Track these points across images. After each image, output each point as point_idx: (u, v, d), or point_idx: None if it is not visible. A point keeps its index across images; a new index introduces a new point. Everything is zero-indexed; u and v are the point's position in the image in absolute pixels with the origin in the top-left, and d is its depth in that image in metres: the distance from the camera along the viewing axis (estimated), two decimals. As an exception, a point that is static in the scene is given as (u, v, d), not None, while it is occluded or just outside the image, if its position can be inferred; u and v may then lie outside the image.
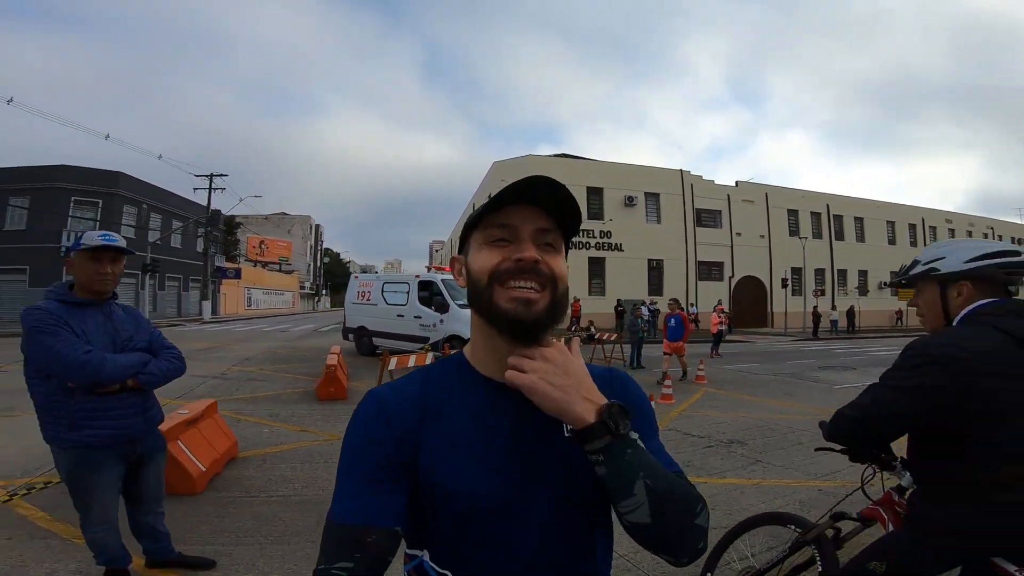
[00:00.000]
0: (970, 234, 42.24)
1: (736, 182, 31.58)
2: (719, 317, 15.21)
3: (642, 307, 22.01)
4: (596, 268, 26.82)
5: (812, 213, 33.93)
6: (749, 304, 30.95)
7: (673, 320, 10.04)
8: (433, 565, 0.74)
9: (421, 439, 0.74)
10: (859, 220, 36.10)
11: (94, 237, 2.25)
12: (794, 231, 32.41)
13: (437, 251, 62.15)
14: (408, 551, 0.79)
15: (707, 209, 30.03)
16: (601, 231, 26.80)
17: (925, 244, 38.72)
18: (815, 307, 25.32)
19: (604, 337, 12.63)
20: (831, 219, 34.58)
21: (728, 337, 23.93)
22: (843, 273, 35.19)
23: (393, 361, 7.11)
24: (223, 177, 32.29)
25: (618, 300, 23.99)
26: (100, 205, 26.38)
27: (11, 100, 21.07)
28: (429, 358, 7.26)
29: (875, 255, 35.83)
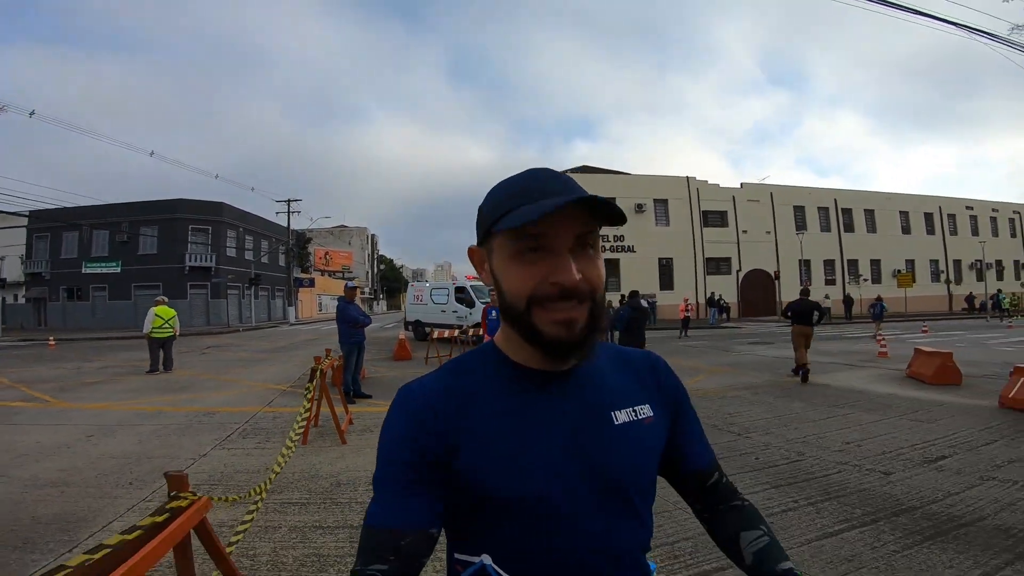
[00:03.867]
0: (994, 221, 43.26)
1: (741, 184, 35.04)
2: (685, 306, 19.46)
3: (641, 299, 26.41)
4: (611, 268, 31.17)
5: (819, 208, 36.76)
6: (758, 295, 34.40)
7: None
8: (498, 569, 0.70)
9: (457, 436, 0.70)
10: (869, 212, 38.39)
11: (347, 284, 7.40)
12: (801, 226, 35.44)
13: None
14: (461, 557, 0.74)
15: (713, 210, 33.69)
16: (615, 235, 31.14)
17: (945, 232, 40.48)
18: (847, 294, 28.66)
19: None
20: (839, 213, 37.22)
21: (726, 323, 27.96)
22: (854, 263, 37.67)
23: (435, 333, 12.21)
24: (298, 201, 38.78)
25: (621, 295, 28.35)
26: (210, 231, 33.09)
27: (33, 113, 27.24)
28: (457, 332, 12.28)
29: (888, 245, 37.99)
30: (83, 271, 31.95)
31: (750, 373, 9.67)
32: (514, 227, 0.66)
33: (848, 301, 30.89)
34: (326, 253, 61.38)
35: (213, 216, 33.37)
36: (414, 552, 0.66)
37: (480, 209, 0.75)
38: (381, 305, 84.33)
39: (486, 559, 0.71)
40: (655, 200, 32.33)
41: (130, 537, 1.29)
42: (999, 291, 30.57)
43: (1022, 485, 3.49)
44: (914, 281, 36.66)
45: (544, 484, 0.69)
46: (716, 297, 29.11)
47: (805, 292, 9.39)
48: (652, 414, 0.79)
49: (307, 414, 3.80)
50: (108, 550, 1.22)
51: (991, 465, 3.97)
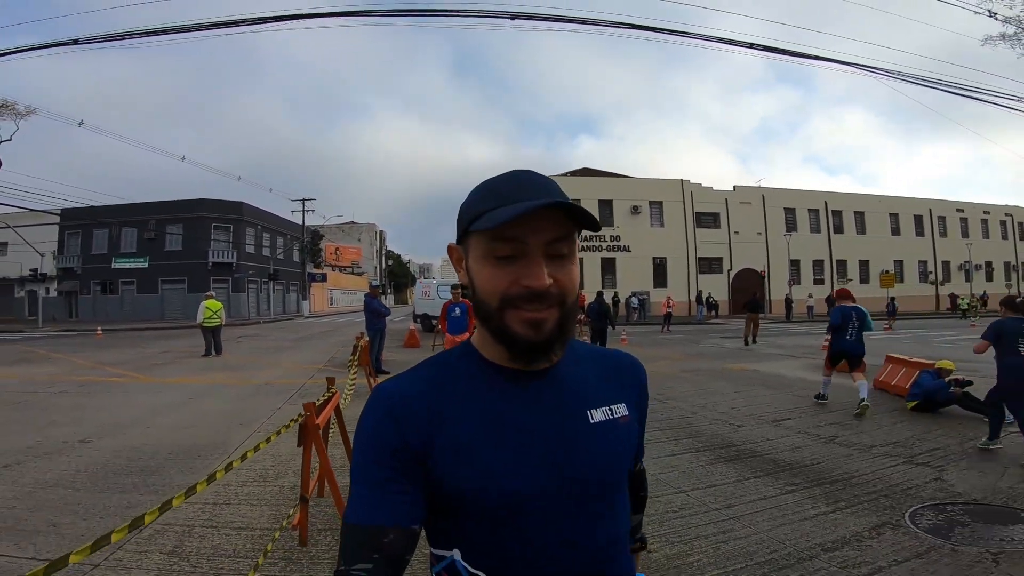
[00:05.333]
0: (985, 223, 44.49)
1: (734, 187, 36.71)
2: (667, 303, 21.36)
3: (631, 297, 28.33)
4: (608, 267, 33.05)
5: (810, 210, 38.34)
6: (748, 293, 36.10)
7: (458, 309, 8.57)
8: (465, 564, 0.72)
9: (434, 433, 0.71)
10: (859, 214, 39.87)
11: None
12: (791, 227, 37.05)
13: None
14: (435, 551, 0.75)
15: (706, 212, 35.41)
16: (611, 236, 32.96)
17: (934, 234, 41.89)
18: (787, 295, 30.43)
19: (581, 319, 19.12)
20: (829, 215, 38.77)
21: (714, 319, 29.73)
22: (843, 264, 39.23)
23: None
24: (312, 200, 40.82)
25: (615, 293, 30.14)
26: (231, 229, 35.18)
27: (81, 122, 29.20)
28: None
29: (877, 246, 39.45)
30: (113, 266, 34.15)
31: (702, 360, 11.58)
32: (488, 228, 0.67)
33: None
34: (336, 249, 63.48)
35: (233, 215, 35.46)
36: (398, 549, 0.66)
37: (460, 207, 0.76)
38: (389, 300, 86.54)
39: (456, 554, 0.72)
40: (651, 202, 34.09)
41: (294, 420, 3.18)
42: (952, 294, 32.16)
43: (815, 437, 5.24)
44: (902, 281, 38.38)
45: (516, 482, 0.70)
46: (704, 295, 30.97)
47: (757, 296, 12.34)
48: (628, 413, 0.81)
49: (354, 376, 5.73)
50: (291, 423, 3.10)
51: (814, 425, 5.76)
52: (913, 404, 6.22)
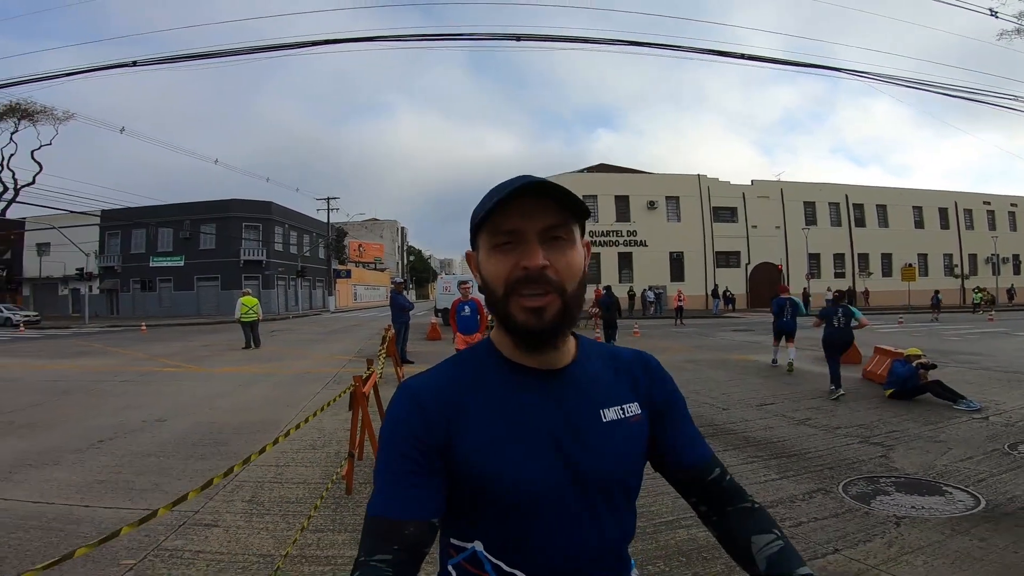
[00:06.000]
0: (1013, 216, 43.55)
1: (752, 181, 36.79)
2: (678, 297, 21.93)
3: (647, 290, 28.82)
4: (624, 261, 33.57)
5: (830, 204, 38.18)
6: (766, 286, 36.19)
7: (467, 308, 8.19)
8: (487, 555, 0.75)
9: (455, 429, 0.74)
10: (881, 207, 39.51)
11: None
12: (811, 221, 36.95)
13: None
14: (456, 542, 0.79)
15: (724, 206, 35.61)
16: (628, 231, 33.47)
17: (960, 227, 41.23)
18: (804, 288, 30.54)
19: (595, 312, 19.73)
20: (850, 208, 38.54)
21: (730, 312, 30.04)
22: (864, 257, 38.93)
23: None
24: (336, 199, 42.15)
25: (630, 287, 30.64)
26: (260, 228, 36.61)
27: (123, 129, 30.62)
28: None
29: (900, 239, 39.03)
30: (150, 264, 35.91)
31: (708, 352, 12.20)
32: (485, 220, 0.74)
33: (850, 294, 32.47)
34: (360, 245, 65.03)
35: (263, 214, 36.90)
36: (417, 541, 0.68)
37: (471, 224, 0.80)
38: (411, 295, 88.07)
39: (478, 546, 0.76)
40: (667, 197, 34.45)
41: (334, 397, 3.98)
42: (975, 287, 31.78)
43: (789, 419, 5.86)
44: (926, 274, 38.05)
45: (532, 477, 0.73)
46: (720, 289, 31.33)
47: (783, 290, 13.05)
48: (640, 412, 0.83)
49: (383, 364, 6.56)
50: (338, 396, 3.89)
51: (793, 409, 6.38)
52: (890, 392, 6.78)
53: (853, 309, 7.32)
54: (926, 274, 38.59)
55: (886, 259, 39.34)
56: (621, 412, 0.81)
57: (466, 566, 0.78)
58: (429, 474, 0.73)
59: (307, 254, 42.59)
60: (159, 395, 7.47)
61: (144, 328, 21.69)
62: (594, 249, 33.42)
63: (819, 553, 2.72)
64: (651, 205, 33.79)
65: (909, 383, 6.58)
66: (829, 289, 30.93)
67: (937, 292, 26.81)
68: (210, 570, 2.68)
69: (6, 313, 28.03)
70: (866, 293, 35.70)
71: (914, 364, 6.61)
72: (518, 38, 9.47)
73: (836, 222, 38.19)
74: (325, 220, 41.82)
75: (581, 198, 0.76)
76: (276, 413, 6.27)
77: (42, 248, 37.58)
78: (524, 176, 0.75)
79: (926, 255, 39.68)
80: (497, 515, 0.75)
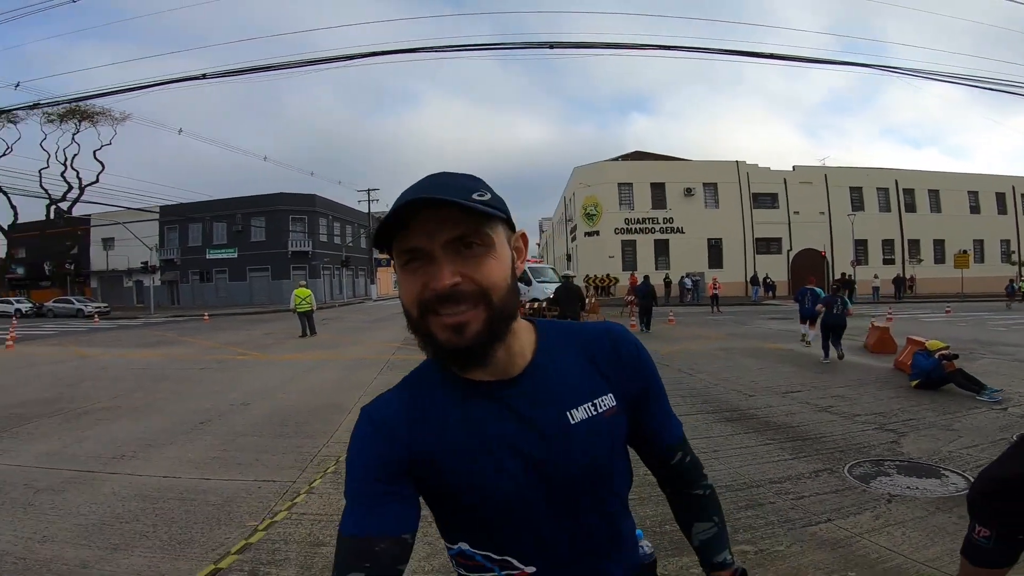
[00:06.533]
0: (1079, 197, 41.03)
1: (793, 167, 35.96)
2: (714, 285, 22.07)
3: (684, 278, 28.86)
4: (661, 248, 33.57)
5: (878, 189, 36.92)
6: (808, 273, 35.41)
7: None
8: (475, 550, 0.78)
9: (416, 449, 0.74)
10: (934, 192, 37.91)
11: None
12: (858, 207, 35.88)
13: (544, 231, 71.04)
14: (446, 543, 0.82)
15: (764, 192, 34.99)
16: (664, 218, 33.41)
17: (1018, 212, 39.18)
18: (849, 275, 29.85)
19: (631, 300, 20.09)
20: (900, 193, 37.20)
21: (770, 300, 29.74)
22: (915, 243, 37.56)
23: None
24: (376, 190, 43.44)
25: (666, 275, 30.61)
26: (306, 220, 38.20)
27: (181, 131, 32.32)
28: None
29: (953, 225, 37.40)
30: (207, 257, 38.07)
31: (742, 340, 12.49)
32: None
33: (898, 282, 31.60)
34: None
35: (308, 207, 38.50)
36: (389, 559, 0.68)
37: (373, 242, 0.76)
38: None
39: (463, 545, 0.79)
40: (704, 184, 34.11)
41: None
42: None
43: (813, 406, 6.24)
44: (982, 261, 36.49)
45: (498, 492, 0.73)
46: (761, 276, 31.03)
47: (846, 276, 14.17)
48: (614, 404, 0.80)
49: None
50: None
51: (819, 397, 6.74)
52: (916, 383, 7.06)
53: (847, 300, 9.37)
54: (982, 261, 37.01)
55: (938, 245, 37.88)
56: (592, 409, 0.79)
57: (461, 560, 0.81)
58: (397, 493, 0.73)
59: (350, 244, 44.16)
60: (238, 381, 8.42)
61: (207, 317, 23.32)
62: (630, 236, 34.06)
63: (813, 521, 3.21)
64: (688, 192, 33.56)
65: (933, 374, 6.84)
66: (876, 276, 30.17)
67: (1012, 281, 26.20)
68: (313, 527, 3.31)
69: (78, 305, 30.27)
70: (911, 281, 34.50)
71: (936, 355, 6.86)
72: (551, 46, 9.88)
73: (885, 207, 36.95)
74: (366, 211, 43.21)
75: (487, 199, 0.70)
76: (342, 396, 7.07)
77: (107, 243, 40.28)
78: (419, 185, 0.71)
79: (982, 241, 37.99)
80: (473, 522, 0.77)
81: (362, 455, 0.74)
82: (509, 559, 0.77)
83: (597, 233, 33.88)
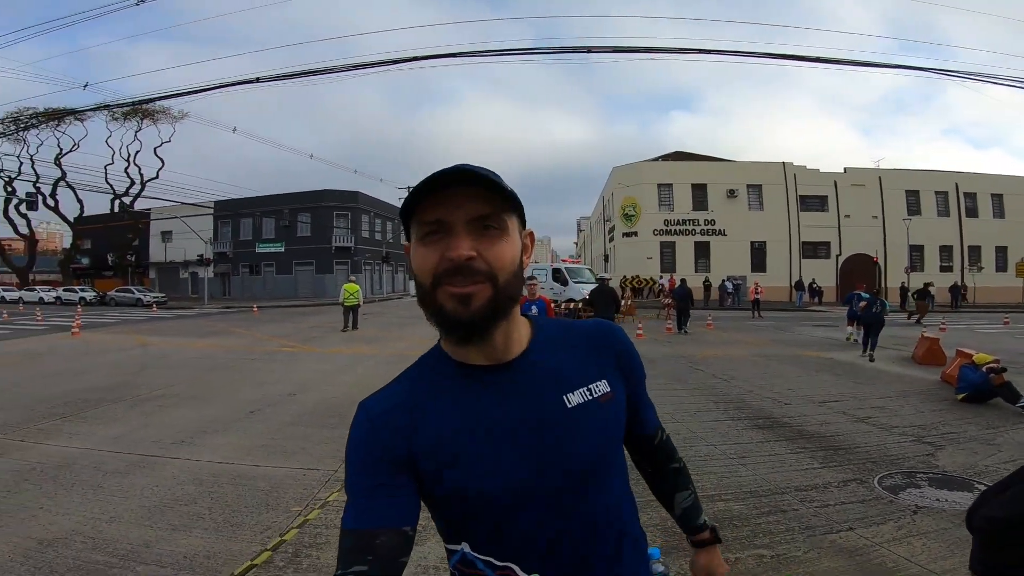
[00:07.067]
0: None
1: (845, 168, 34.68)
2: (755, 289, 21.58)
3: (725, 281, 28.35)
4: (701, 250, 32.99)
5: (937, 192, 35.16)
6: (858, 280, 34.13)
7: (535, 308, 7.28)
8: (476, 554, 0.78)
9: (415, 440, 0.75)
10: (997, 196, 35.86)
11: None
12: (914, 211, 34.27)
13: (582, 230, 70.67)
14: (447, 546, 0.81)
15: (812, 195, 33.87)
16: (706, 220, 32.82)
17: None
18: (903, 283, 28.64)
19: (668, 303, 19.91)
20: (960, 197, 35.32)
21: (816, 306, 28.82)
22: (975, 250, 35.59)
23: (536, 311, 15.87)
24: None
25: (706, 277, 30.04)
26: (349, 216, 39.33)
27: (235, 129, 33.45)
28: (552, 306, 15.80)
29: (1018, 231, 35.14)
30: (256, 250, 39.69)
31: (781, 347, 12.29)
32: (411, 211, 0.74)
33: (955, 290, 30.07)
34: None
35: (351, 203, 39.65)
36: (391, 551, 0.70)
37: (400, 213, 0.79)
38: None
39: (465, 547, 0.78)
40: (748, 185, 33.32)
41: None
42: None
43: (850, 416, 6.15)
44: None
45: (497, 478, 0.74)
46: (807, 281, 30.12)
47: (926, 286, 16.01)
48: (610, 389, 0.83)
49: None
50: None
51: (856, 407, 6.62)
52: (962, 396, 6.85)
53: (885, 302, 10.98)
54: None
55: (1000, 253, 35.76)
56: (588, 394, 0.81)
57: (462, 568, 0.80)
58: (396, 486, 0.74)
59: (391, 240, 45.16)
60: (287, 372, 8.91)
61: (256, 310, 24.41)
62: (669, 238, 33.58)
63: (834, 529, 3.26)
64: (731, 194, 32.86)
65: (981, 387, 6.64)
66: (932, 284, 28.90)
67: (906, 284, 26.02)
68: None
69: (138, 295, 32.03)
70: (964, 289, 32.51)
71: (983, 369, 6.65)
72: (589, 50, 9.95)
73: (944, 212, 35.16)
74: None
75: (512, 189, 0.76)
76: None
77: (165, 236, 42.52)
78: (456, 165, 0.74)
79: (1051, 249, 35.64)
80: (474, 518, 0.77)
81: (360, 449, 0.76)
82: (511, 566, 0.77)
83: (635, 234, 33.59)
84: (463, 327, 0.74)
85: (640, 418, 0.95)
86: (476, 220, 0.73)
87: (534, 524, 0.76)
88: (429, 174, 0.72)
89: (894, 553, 2.91)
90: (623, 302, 17.88)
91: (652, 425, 0.98)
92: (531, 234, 0.85)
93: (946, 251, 35.15)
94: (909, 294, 24.67)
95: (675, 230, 32.95)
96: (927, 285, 22.36)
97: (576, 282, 19.41)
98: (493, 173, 0.75)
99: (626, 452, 0.93)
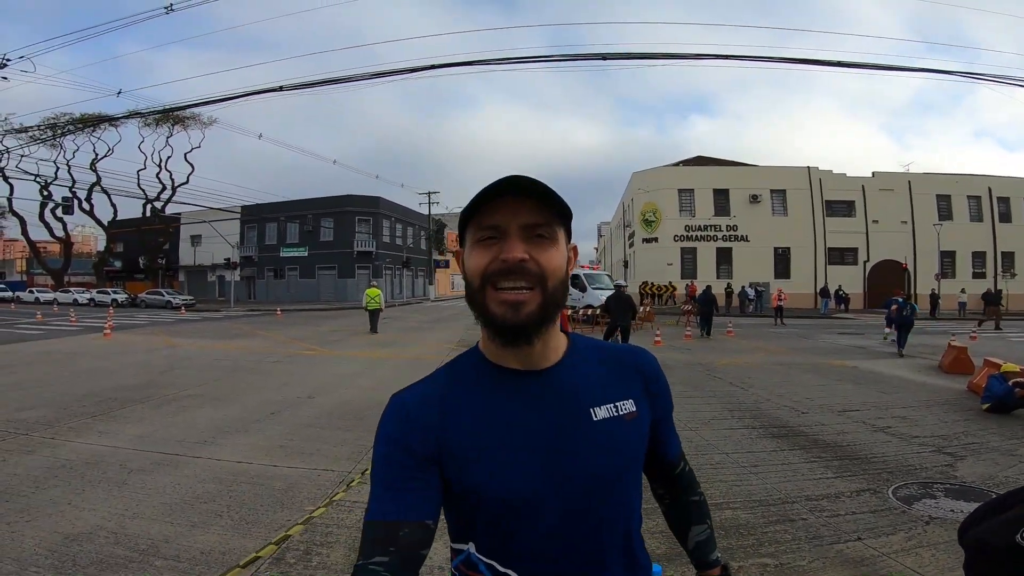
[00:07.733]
0: None
1: (873, 173, 33.96)
2: (778, 296, 21.18)
3: (746, 288, 27.95)
4: (723, 256, 32.60)
5: (969, 197, 34.20)
6: (887, 286, 33.34)
7: None
8: (480, 556, 0.79)
9: (443, 436, 0.77)
10: (1033, 200, 34.76)
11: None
12: (945, 216, 33.39)
13: (602, 235, 70.41)
14: (453, 545, 0.83)
15: (839, 200, 33.23)
16: (728, 225, 32.44)
17: None
18: (933, 289, 27.85)
19: (688, 310, 19.72)
20: (994, 201, 34.32)
21: (843, 313, 28.21)
22: (1009, 256, 34.49)
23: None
24: (436, 193, 44.71)
25: (727, 284, 29.57)
26: (371, 221, 39.89)
27: (260, 135, 34.13)
28: (570, 312, 15.81)
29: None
30: (280, 255, 40.50)
31: (803, 355, 12.07)
32: (471, 217, 0.79)
33: (988, 296, 29.07)
34: (457, 236, 68.06)
35: (372, 209, 40.22)
36: (413, 543, 0.71)
37: (459, 221, 0.84)
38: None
39: (471, 548, 0.80)
40: (772, 190, 32.85)
41: None
42: None
43: (869, 426, 6.03)
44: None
45: (517, 481, 0.75)
46: (833, 288, 29.51)
47: (991, 291, 14.65)
48: (635, 409, 0.85)
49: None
50: None
51: (876, 417, 6.51)
52: (987, 406, 6.68)
53: (914, 305, 12.46)
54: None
55: (1037, 258, 34.59)
56: (614, 410, 0.83)
57: (464, 569, 0.81)
58: (422, 480, 0.75)
59: (411, 245, 45.66)
60: (306, 374, 9.10)
61: (279, 313, 24.92)
62: (690, 244, 33.25)
63: (842, 539, 3.23)
64: (754, 199, 32.43)
65: (1007, 399, 6.47)
66: (963, 291, 27.98)
67: (936, 291, 25.96)
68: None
69: (167, 297, 32.90)
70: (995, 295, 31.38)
71: (1010, 383, 6.49)
72: (604, 57, 10.00)
73: (976, 217, 34.17)
74: (426, 213, 44.53)
75: (565, 201, 0.79)
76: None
77: (195, 239, 43.66)
78: (513, 176, 0.76)
79: (1090, 254, 34.35)
80: (486, 518, 0.78)
81: (387, 442, 0.78)
82: (511, 574, 0.78)
83: (656, 240, 33.34)
84: (512, 331, 0.77)
85: (664, 446, 0.95)
86: (529, 227, 0.77)
87: (542, 534, 0.77)
88: (485, 184, 0.77)
89: (901, 564, 2.88)
90: (642, 309, 17.78)
91: (675, 454, 0.98)
92: (575, 248, 0.89)
93: (979, 257, 34.12)
94: (983, 299, 23.89)
95: (696, 236, 32.65)
96: (989, 291, 23.15)
97: (595, 288, 19.34)
98: (547, 186, 0.79)
99: (645, 480, 0.94)
